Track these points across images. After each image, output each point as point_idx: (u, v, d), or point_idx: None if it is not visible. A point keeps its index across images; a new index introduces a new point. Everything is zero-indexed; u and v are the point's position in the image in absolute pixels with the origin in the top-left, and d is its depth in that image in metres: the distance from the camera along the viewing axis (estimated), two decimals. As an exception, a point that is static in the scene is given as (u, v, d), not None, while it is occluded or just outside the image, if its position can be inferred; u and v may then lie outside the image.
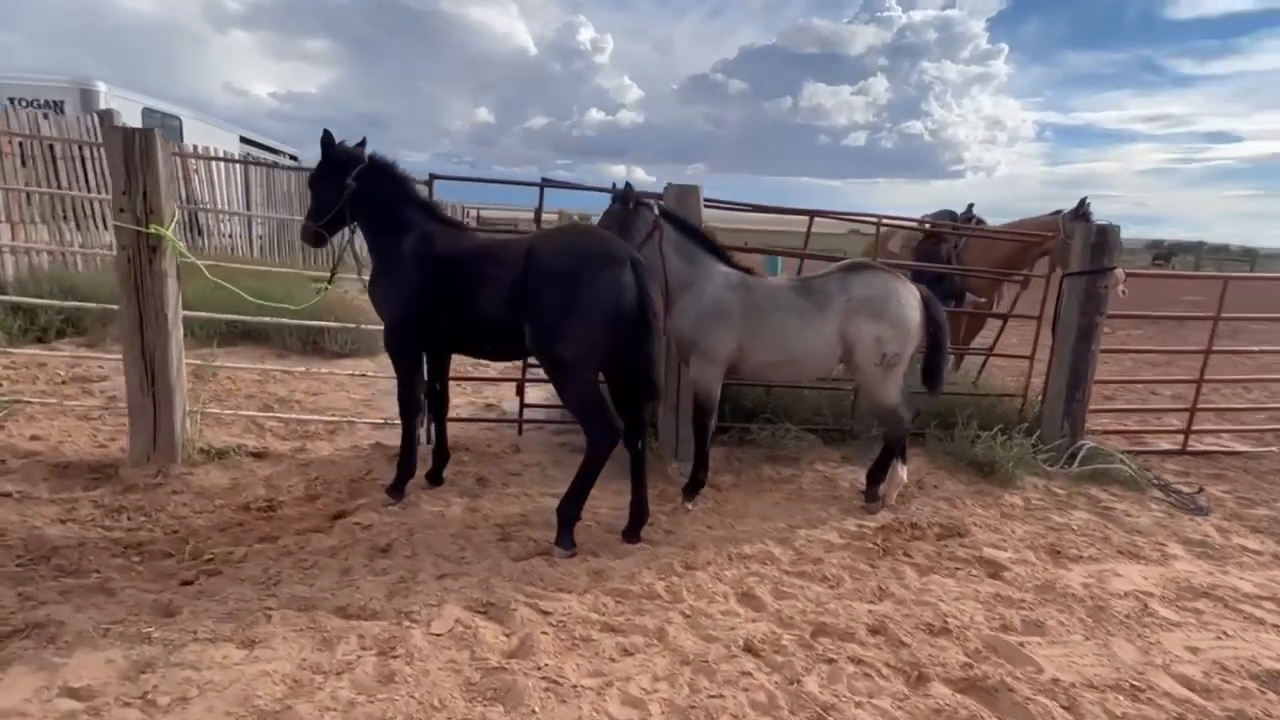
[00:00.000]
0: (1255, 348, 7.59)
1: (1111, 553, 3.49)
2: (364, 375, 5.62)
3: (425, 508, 3.47)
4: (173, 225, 3.65)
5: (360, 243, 3.60)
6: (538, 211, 4.25)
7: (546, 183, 4.15)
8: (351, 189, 3.40)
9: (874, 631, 2.60)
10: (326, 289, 3.89)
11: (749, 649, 2.44)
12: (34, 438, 4.09)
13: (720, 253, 3.68)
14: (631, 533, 3.23)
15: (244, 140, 15.85)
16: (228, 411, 4.64)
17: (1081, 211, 5.64)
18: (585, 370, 2.93)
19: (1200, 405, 5.33)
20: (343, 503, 3.62)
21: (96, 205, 8.27)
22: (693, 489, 3.70)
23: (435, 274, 3.20)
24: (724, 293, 3.54)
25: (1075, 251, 4.75)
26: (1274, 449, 5.41)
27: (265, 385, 5.66)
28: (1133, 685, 2.36)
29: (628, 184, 3.60)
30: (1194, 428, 5.36)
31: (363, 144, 3.50)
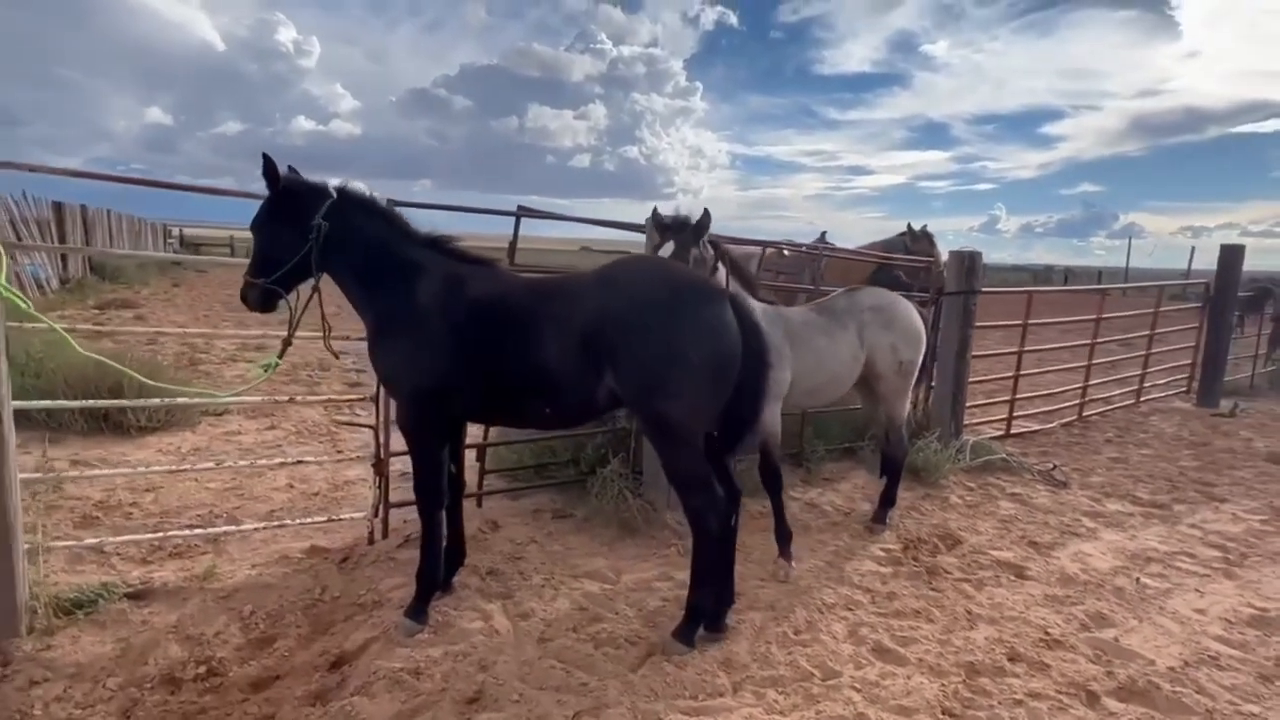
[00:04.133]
0: (1048, 346, 9.30)
1: (1060, 536, 4.07)
2: (193, 454, 4.29)
3: (464, 625, 2.72)
4: (4, 273, 2.37)
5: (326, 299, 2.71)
6: (512, 244, 3.62)
7: (524, 211, 3.55)
8: (322, 231, 2.55)
9: (1012, 659, 2.68)
10: (275, 364, 2.85)
11: (947, 712, 2.34)
12: None
13: (755, 286, 3.50)
14: (717, 619, 2.73)
15: None
16: (91, 541, 3.20)
17: (920, 235, 6.55)
18: (695, 430, 2.50)
19: (1016, 396, 6.54)
20: (327, 642, 2.69)
21: None
22: (785, 542, 3.43)
23: (471, 326, 2.52)
24: (772, 328, 3.38)
25: (951, 274, 5.51)
26: (1054, 424, 6.85)
27: (68, 489, 3.98)
28: (1210, 655, 2.77)
29: (677, 214, 3.20)
30: (1014, 415, 6.57)
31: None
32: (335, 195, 2.60)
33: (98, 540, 3.21)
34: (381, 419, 3.38)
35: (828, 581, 3.28)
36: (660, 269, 2.65)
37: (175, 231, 34.03)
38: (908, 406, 4.01)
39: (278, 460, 4.22)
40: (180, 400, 4.05)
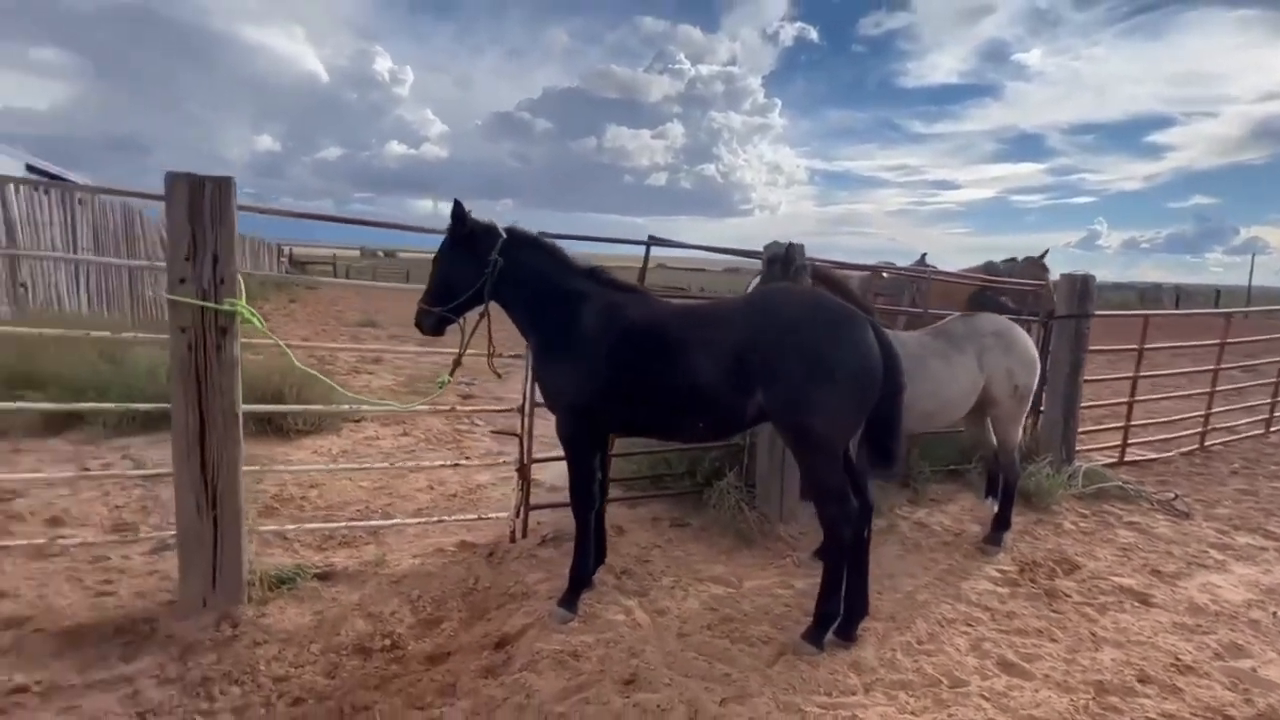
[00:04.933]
0: (1166, 371, 9.00)
1: (1185, 566, 3.98)
2: (342, 456, 4.80)
3: (609, 617, 3.01)
4: (243, 295, 2.86)
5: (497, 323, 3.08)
6: (642, 271, 3.94)
7: (654, 240, 3.88)
8: (498, 265, 2.92)
9: (1142, 680, 2.72)
10: (447, 381, 3.26)
11: (1079, 725, 2.43)
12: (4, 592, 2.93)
13: (869, 311, 3.68)
14: (849, 627, 2.89)
15: (31, 169, 12.94)
16: (274, 528, 3.70)
17: (1032, 261, 6.47)
18: (837, 443, 2.72)
19: (1131, 423, 6.34)
20: (487, 626, 3.03)
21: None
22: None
23: (627, 348, 2.83)
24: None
25: (1062, 297, 5.46)
26: (1172, 453, 6.57)
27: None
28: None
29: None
30: (1128, 442, 6.36)
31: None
32: (505, 235, 2.97)
33: (294, 527, 3.71)
34: (525, 429, 3.74)
35: (944, 598, 3.38)
36: (807, 296, 2.90)
37: (286, 251, 36.85)
38: (1020, 431, 4.05)
39: (422, 463, 4.68)
40: (365, 406, 4.58)
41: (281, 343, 3.07)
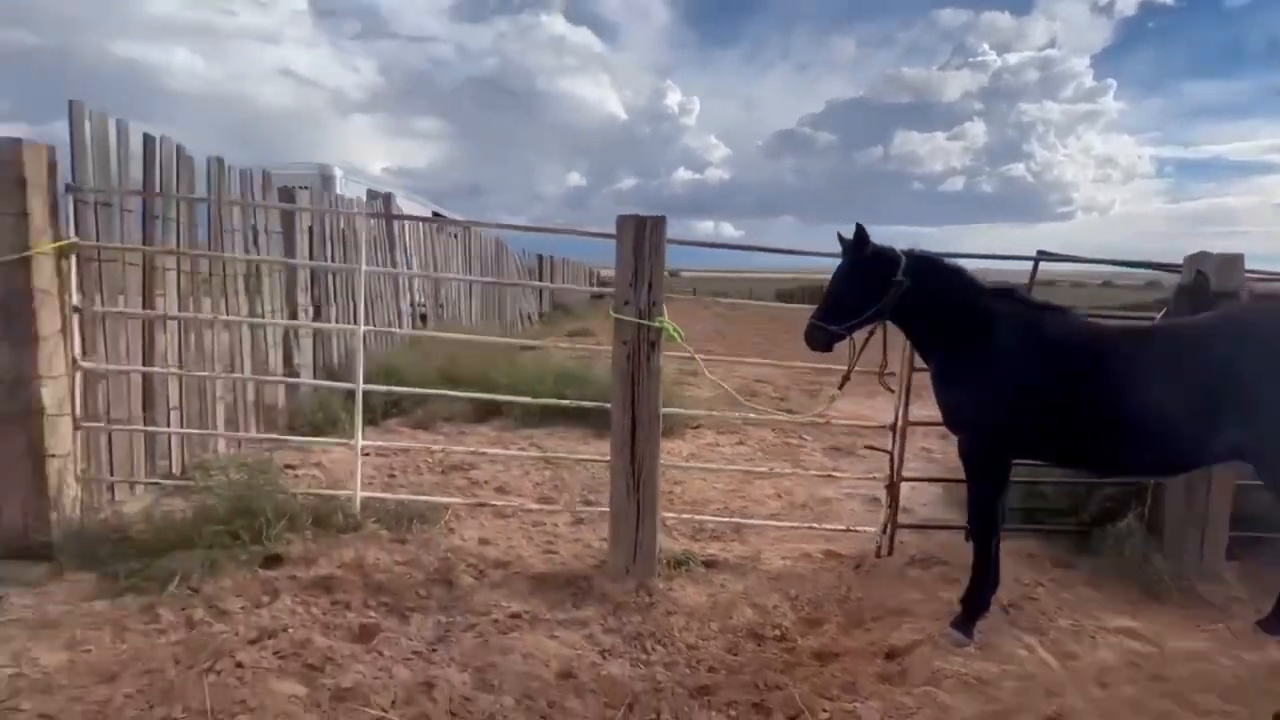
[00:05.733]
0: None
1: None
2: (692, 458, 5.24)
3: (1009, 650, 2.88)
4: (664, 312, 3.37)
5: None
6: (1029, 286, 3.75)
7: (1044, 256, 3.65)
8: (903, 286, 2.98)
9: None
10: (835, 396, 3.50)
11: None
12: (483, 541, 3.86)
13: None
14: None
15: (435, 214, 16.68)
16: (670, 515, 4.30)
17: None
18: None
19: None
20: (868, 635, 3.11)
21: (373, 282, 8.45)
22: None
23: (1050, 368, 2.70)
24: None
25: None
26: None
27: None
28: None
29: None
30: None
31: None
32: (906, 257, 3.04)
33: (688, 516, 4.25)
34: (896, 447, 3.77)
35: None
36: None
37: (597, 273, 42.00)
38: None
39: (800, 470, 4.98)
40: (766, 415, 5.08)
41: (697, 356, 3.54)
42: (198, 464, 4.58)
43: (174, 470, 4.36)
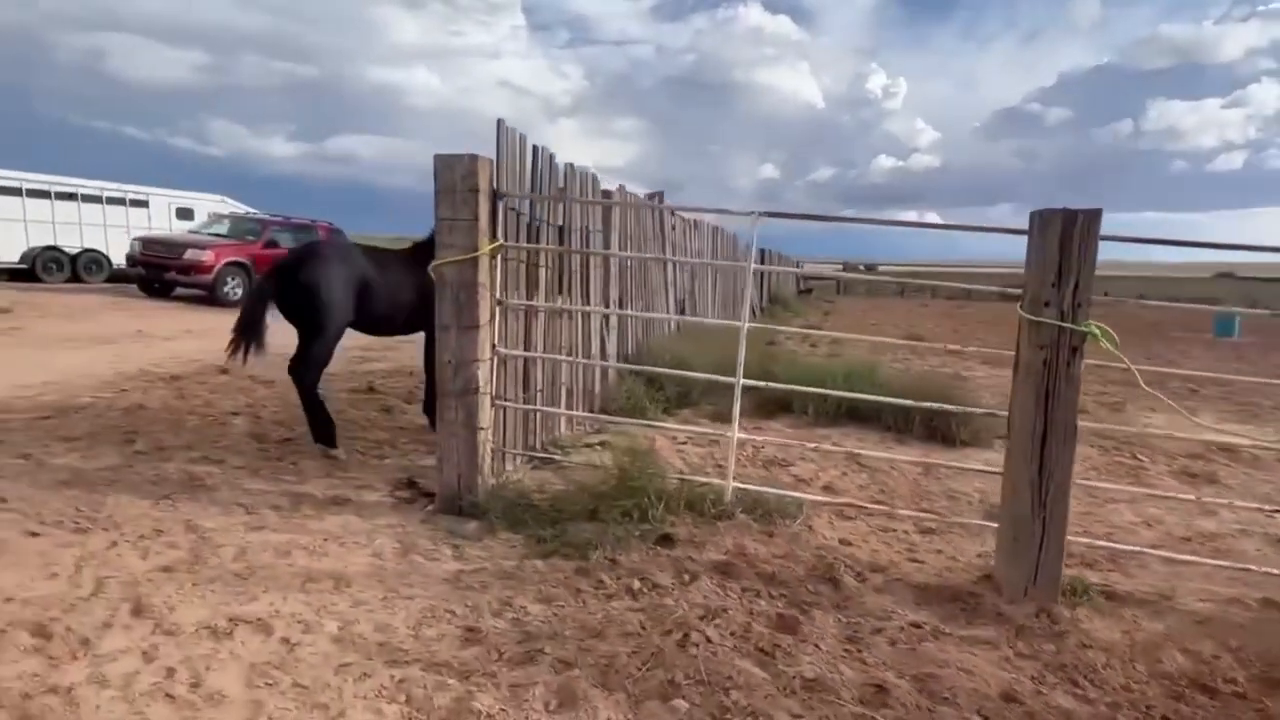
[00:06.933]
0: None
1: None
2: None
3: None
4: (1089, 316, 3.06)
5: None
6: None
7: None
8: None
9: None
10: None
11: None
12: (843, 542, 3.84)
13: None
14: None
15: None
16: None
17: None
18: None
19: None
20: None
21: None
22: None
23: None
24: None
25: None
26: None
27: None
28: None
29: None
30: None
31: None
32: None
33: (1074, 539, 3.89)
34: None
35: None
36: None
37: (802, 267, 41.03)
38: None
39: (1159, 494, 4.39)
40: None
41: (1132, 366, 3.20)
42: (551, 441, 5.10)
43: (537, 446, 4.87)
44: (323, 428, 4.68)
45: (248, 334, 4.55)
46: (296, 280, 4.57)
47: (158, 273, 14.21)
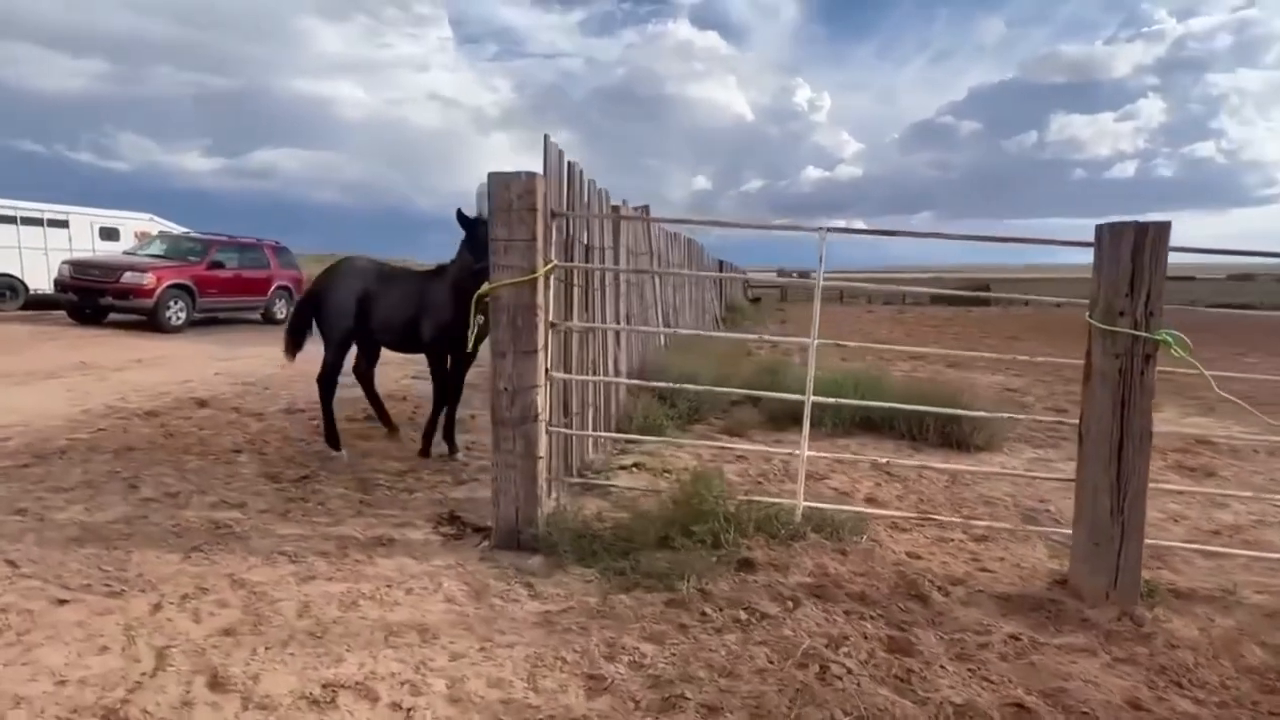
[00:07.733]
0: None
1: None
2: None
3: None
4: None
5: None
6: None
7: None
8: None
9: None
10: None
11: None
12: (911, 555, 3.83)
13: None
14: None
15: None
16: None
17: None
18: None
19: None
20: None
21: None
22: None
23: None
24: None
25: None
26: None
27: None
28: None
29: None
30: None
31: None
32: None
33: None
34: None
35: None
36: None
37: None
38: None
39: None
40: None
41: (1206, 373, 3.31)
42: (584, 465, 4.93)
43: (573, 472, 4.70)
44: (327, 429, 5.27)
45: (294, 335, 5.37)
46: (308, 292, 5.53)
47: (91, 298, 13.14)
